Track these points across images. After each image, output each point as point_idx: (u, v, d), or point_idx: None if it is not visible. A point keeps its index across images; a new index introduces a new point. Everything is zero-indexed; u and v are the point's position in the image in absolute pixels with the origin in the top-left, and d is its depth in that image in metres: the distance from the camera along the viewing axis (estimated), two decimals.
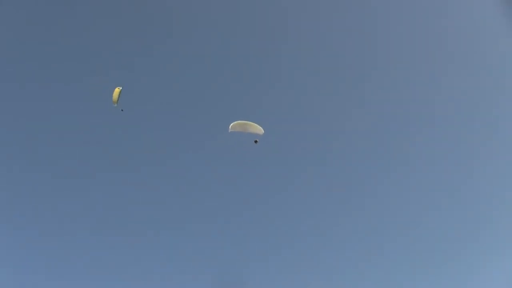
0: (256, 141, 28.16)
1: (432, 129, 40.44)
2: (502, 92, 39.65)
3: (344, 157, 40.21)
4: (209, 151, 39.89)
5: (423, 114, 40.54)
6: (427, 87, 40.58)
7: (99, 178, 39.07)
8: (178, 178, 39.71)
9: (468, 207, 38.95)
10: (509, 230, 37.49)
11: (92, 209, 38.28)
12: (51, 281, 35.88)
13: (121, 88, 27.85)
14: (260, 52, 42.23)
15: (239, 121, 27.42)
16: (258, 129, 27.54)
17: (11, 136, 38.98)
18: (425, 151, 40.31)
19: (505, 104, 39.55)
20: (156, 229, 38.07)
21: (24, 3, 39.80)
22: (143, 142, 39.70)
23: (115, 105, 27.92)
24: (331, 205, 39.41)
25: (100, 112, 39.79)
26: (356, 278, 36.86)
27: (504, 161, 39.05)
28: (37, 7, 40.02)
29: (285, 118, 39.99)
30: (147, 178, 39.13)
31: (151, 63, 41.46)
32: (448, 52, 40.74)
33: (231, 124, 27.44)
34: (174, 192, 39.37)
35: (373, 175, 39.73)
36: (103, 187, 39.02)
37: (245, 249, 37.68)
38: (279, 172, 39.85)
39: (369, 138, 40.16)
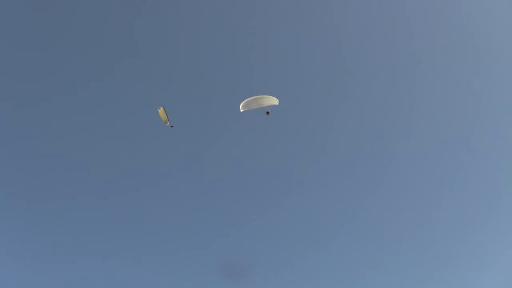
0: (268, 113, 27.04)
1: (437, 131, 40.44)
2: (504, 92, 39.83)
3: (350, 159, 40.15)
4: (212, 151, 39.80)
5: (429, 116, 40.54)
6: (429, 87, 40.69)
7: (101, 178, 38.88)
8: (182, 178, 39.61)
9: (470, 207, 38.92)
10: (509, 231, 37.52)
11: (95, 207, 38.12)
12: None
13: (162, 107, 28.20)
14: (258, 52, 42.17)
15: (250, 98, 25.84)
16: (273, 100, 26.05)
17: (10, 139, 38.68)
18: (429, 153, 40.32)
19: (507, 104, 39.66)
20: (161, 229, 37.98)
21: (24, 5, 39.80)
22: (146, 142, 39.62)
23: (167, 124, 28.54)
24: (336, 205, 39.31)
25: (99, 114, 39.80)
26: (359, 278, 36.66)
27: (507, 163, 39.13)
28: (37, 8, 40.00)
29: (290, 117, 39.90)
30: (152, 178, 39.02)
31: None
32: (449, 53, 41.01)
33: (242, 103, 25.96)
34: (178, 192, 39.27)
35: (380, 178, 39.73)
36: (105, 187, 38.85)
37: (250, 249, 37.59)
38: (283, 172, 39.78)
39: (374, 138, 40.21)
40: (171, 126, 28.58)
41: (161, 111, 28.20)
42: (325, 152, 40.23)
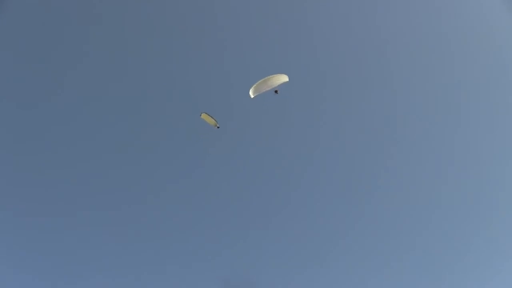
0: (276, 91, 26.38)
1: (441, 133, 40.31)
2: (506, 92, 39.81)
3: (350, 158, 39.99)
4: (213, 149, 39.68)
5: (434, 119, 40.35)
6: (429, 86, 40.63)
7: (100, 178, 38.90)
8: (182, 178, 39.55)
9: (474, 209, 38.99)
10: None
11: (95, 210, 38.20)
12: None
13: (203, 113, 28.25)
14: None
15: (259, 81, 25.33)
16: (282, 77, 25.60)
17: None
18: (431, 152, 40.29)
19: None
20: (161, 230, 38.11)
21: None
22: (146, 141, 39.57)
23: (217, 126, 28.57)
24: (337, 205, 39.26)
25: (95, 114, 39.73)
26: (360, 278, 37.01)
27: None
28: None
29: (292, 116, 39.79)
30: (151, 177, 38.97)
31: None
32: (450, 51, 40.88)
33: (252, 89, 25.44)
34: (179, 192, 39.26)
35: (381, 178, 39.62)
36: (104, 188, 38.85)
37: (251, 249, 37.76)
38: (284, 173, 39.71)
39: (374, 137, 40.05)
40: (218, 127, 28.43)
41: (204, 116, 28.15)
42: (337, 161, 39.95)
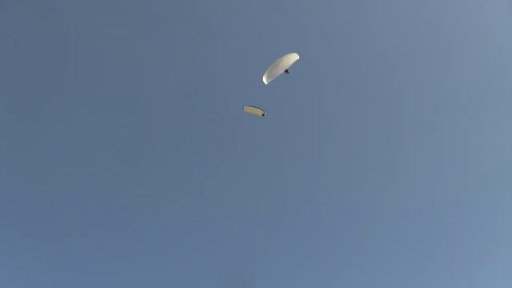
0: (287, 71, 25.36)
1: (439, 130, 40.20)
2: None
3: (354, 158, 39.84)
4: (212, 146, 39.63)
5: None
6: (431, 85, 40.51)
7: (98, 174, 38.81)
8: (181, 178, 39.50)
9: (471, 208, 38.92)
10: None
11: (90, 207, 38.05)
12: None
13: (246, 106, 27.76)
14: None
15: (270, 66, 24.74)
16: (293, 57, 24.85)
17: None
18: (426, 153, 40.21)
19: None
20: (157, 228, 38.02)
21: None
22: (145, 140, 39.46)
23: (264, 113, 27.76)
24: (340, 205, 39.15)
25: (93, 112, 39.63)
26: (359, 278, 36.96)
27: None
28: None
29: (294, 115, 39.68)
30: (149, 175, 38.90)
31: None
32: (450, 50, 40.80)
33: (265, 75, 24.78)
34: (176, 191, 39.21)
35: (378, 177, 39.51)
36: (102, 183, 38.73)
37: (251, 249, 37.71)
38: (285, 171, 39.63)
39: (373, 136, 39.91)
40: (264, 115, 27.43)
41: (248, 108, 27.53)
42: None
